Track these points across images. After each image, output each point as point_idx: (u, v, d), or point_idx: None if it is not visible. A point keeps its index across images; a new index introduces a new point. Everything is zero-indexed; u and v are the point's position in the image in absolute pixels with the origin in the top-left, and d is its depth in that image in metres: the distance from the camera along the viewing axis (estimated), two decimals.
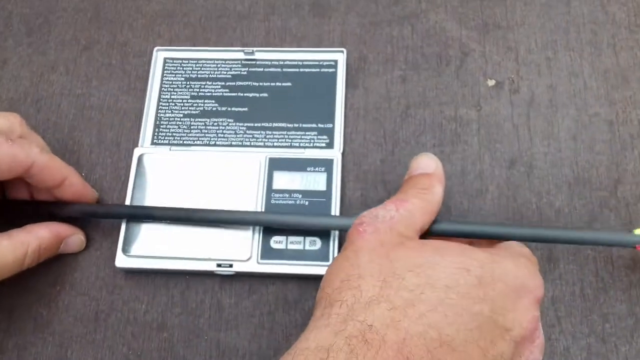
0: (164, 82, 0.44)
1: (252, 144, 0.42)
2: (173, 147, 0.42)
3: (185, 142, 0.42)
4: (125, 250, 0.39)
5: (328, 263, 0.37)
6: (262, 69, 0.44)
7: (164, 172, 0.40)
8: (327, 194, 0.39)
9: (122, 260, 0.39)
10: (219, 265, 0.38)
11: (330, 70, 0.43)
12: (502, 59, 0.44)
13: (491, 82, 0.43)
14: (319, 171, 0.40)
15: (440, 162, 0.37)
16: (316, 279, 0.38)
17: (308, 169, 0.40)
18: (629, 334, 0.36)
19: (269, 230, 0.38)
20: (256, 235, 0.38)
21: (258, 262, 0.38)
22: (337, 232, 0.38)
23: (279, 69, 0.44)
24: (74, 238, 0.39)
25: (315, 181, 0.40)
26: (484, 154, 0.41)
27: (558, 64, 0.43)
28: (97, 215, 0.40)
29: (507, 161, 0.41)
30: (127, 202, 0.40)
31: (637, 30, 0.44)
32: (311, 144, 0.41)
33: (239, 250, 0.38)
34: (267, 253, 0.38)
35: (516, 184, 0.40)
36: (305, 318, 0.38)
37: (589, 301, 0.37)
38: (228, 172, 0.40)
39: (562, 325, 0.37)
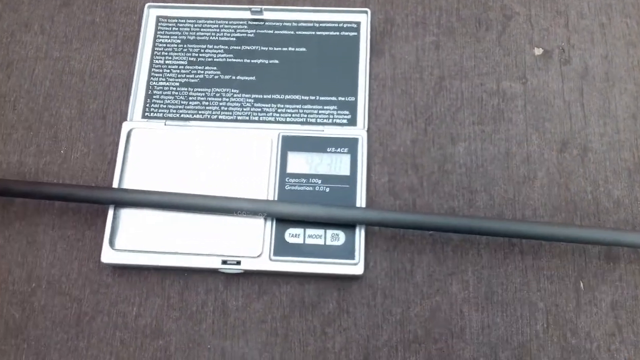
0: (156, 44, 0.38)
1: (262, 119, 0.36)
2: (168, 122, 0.35)
3: (182, 115, 0.36)
4: (112, 243, 0.33)
5: (354, 261, 0.32)
6: (272, 31, 0.38)
7: (158, 151, 0.34)
8: (351, 179, 0.33)
9: (109, 255, 0.33)
10: (224, 262, 0.32)
11: (352, 34, 0.37)
12: (551, 25, 0.38)
13: (538, 51, 0.37)
14: (341, 152, 0.34)
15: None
16: (338, 278, 0.32)
17: (328, 149, 0.34)
18: None
19: (284, 221, 0.33)
20: (268, 227, 0.33)
21: (270, 259, 0.32)
22: (363, 225, 0.33)
23: (292, 32, 0.38)
24: None
25: (337, 164, 0.34)
26: (532, 134, 0.35)
27: (613, 32, 0.38)
28: (78, 198, 0.33)
29: (558, 143, 0.35)
30: (115, 185, 0.34)
31: None
32: (331, 120, 0.35)
33: (249, 245, 0.32)
34: (282, 248, 0.32)
35: (569, 169, 0.35)
36: (324, 323, 0.32)
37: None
38: (234, 153, 0.34)
39: (623, 334, 0.32)
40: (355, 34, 0.37)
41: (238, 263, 0.32)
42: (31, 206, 0.33)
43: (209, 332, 0.32)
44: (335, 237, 0.32)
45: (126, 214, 0.33)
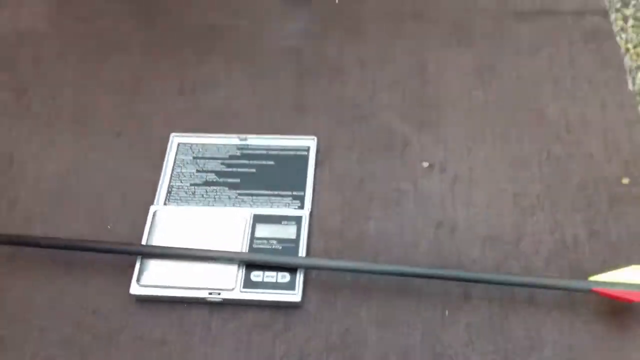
0: (177, 160, 0.58)
1: (242, 205, 0.54)
2: (180, 205, 0.54)
3: (190, 202, 0.55)
4: (139, 280, 0.50)
5: (294, 292, 0.49)
6: (252, 151, 0.58)
7: (173, 223, 0.53)
8: (296, 241, 0.51)
9: (135, 288, 0.50)
10: (210, 293, 0.49)
11: (304, 153, 0.57)
12: (434, 148, 0.57)
13: (425, 164, 0.57)
14: (290, 224, 0.52)
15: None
16: (284, 305, 0.49)
17: (283, 222, 0.52)
18: (527, 353, 0.47)
19: (250, 266, 0.50)
20: (240, 270, 0.50)
21: (241, 291, 0.49)
22: (303, 269, 0.50)
23: (265, 152, 0.58)
24: None
25: (287, 231, 0.52)
26: (417, 216, 0.54)
27: (476, 152, 0.57)
28: (119, 251, 0.51)
29: (435, 222, 0.53)
30: (143, 242, 0.52)
31: (539, 126, 0.58)
32: (287, 206, 0.54)
33: (227, 282, 0.50)
34: (248, 284, 0.49)
35: (441, 239, 0.52)
36: (275, 336, 0.48)
37: (495, 327, 0.48)
38: (223, 224, 0.52)
39: (475, 344, 0.47)
40: (306, 153, 0.57)
41: (219, 294, 0.49)
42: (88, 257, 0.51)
43: (197, 340, 0.48)
44: (284, 277, 0.50)
45: (148, 261, 0.51)
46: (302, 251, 0.51)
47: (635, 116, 0.58)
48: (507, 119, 0.59)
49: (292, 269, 0.50)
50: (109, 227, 0.55)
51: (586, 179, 0.55)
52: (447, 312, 0.49)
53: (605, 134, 0.57)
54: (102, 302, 0.51)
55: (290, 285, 0.49)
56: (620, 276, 0.47)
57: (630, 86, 0.60)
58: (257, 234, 0.52)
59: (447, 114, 0.60)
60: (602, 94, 0.59)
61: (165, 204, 0.55)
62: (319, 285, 0.50)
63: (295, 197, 0.55)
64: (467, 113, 0.60)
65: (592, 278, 0.48)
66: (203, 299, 0.50)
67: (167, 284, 0.50)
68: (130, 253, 0.51)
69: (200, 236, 0.52)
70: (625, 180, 0.54)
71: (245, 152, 0.58)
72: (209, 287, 0.49)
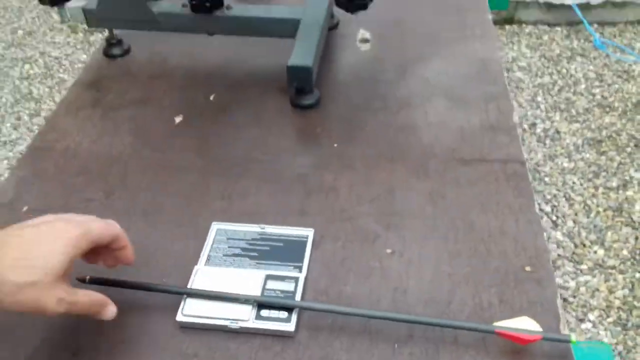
0: (215, 239, 0.82)
1: (258, 269, 0.78)
2: (216, 267, 0.78)
3: (222, 266, 0.79)
4: (183, 312, 0.72)
5: (290, 324, 0.70)
6: (268, 236, 0.82)
7: (209, 277, 0.76)
8: (294, 292, 0.74)
9: (180, 317, 0.72)
10: (231, 323, 0.71)
11: (304, 239, 0.82)
12: (396, 241, 0.82)
13: (389, 250, 0.81)
14: (291, 282, 0.75)
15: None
16: (282, 335, 0.71)
17: (286, 280, 0.76)
18: None
19: (261, 306, 0.72)
20: (254, 308, 0.72)
21: (253, 322, 0.71)
22: (298, 309, 0.72)
23: (277, 237, 0.82)
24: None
25: (288, 286, 0.75)
26: (381, 281, 0.76)
27: (425, 245, 0.81)
28: (172, 292, 0.74)
29: (392, 288, 0.76)
30: (188, 287, 0.75)
31: (469, 232, 0.82)
32: (289, 271, 0.77)
33: (243, 315, 0.71)
34: (259, 317, 0.71)
35: (396, 299, 0.75)
36: (276, 355, 0.69)
37: (429, 356, 0.68)
38: (244, 280, 0.76)
39: None
40: (306, 239, 0.82)
41: (237, 323, 0.71)
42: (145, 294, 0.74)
43: (220, 356, 0.69)
44: (284, 314, 0.72)
45: (191, 299, 0.73)
46: (297, 299, 0.73)
47: (539, 229, 0.83)
48: (448, 226, 0.84)
49: (289, 309, 0.72)
50: (163, 280, 0.78)
51: (500, 266, 0.78)
52: (396, 345, 0.70)
53: (516, 239, 0.81)
54: (156, 326, 0.73)
55: (287, 320, 0.71)
56: (516, 323, 0.69)
57: (537, 210, 0.86)
58: (267, 287, 0.75)
59: (407, 221, 0.85)
60: (516, 214, 0.85)
61: (205, 265, 0.79)
62: (308, 323, 0.72)
63: (295, 267, 0.78)
64: (421, 221, 0.85)
65: (496, 324, 0.69)
66: (226, 326, 0.71)
67: (202, 315, 0.72)
68: (178, 293, 0.74)
69: (227, 286, 0.75)
70: (528, 269, 0.78)
71: (263, 236, 0.83)
72: (230, 318, 0.71)
